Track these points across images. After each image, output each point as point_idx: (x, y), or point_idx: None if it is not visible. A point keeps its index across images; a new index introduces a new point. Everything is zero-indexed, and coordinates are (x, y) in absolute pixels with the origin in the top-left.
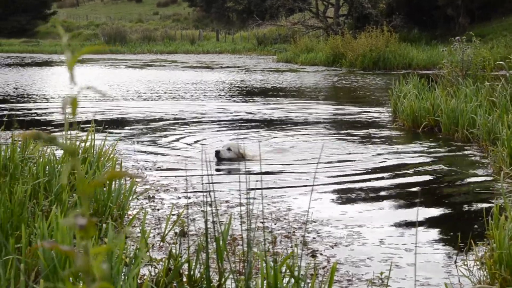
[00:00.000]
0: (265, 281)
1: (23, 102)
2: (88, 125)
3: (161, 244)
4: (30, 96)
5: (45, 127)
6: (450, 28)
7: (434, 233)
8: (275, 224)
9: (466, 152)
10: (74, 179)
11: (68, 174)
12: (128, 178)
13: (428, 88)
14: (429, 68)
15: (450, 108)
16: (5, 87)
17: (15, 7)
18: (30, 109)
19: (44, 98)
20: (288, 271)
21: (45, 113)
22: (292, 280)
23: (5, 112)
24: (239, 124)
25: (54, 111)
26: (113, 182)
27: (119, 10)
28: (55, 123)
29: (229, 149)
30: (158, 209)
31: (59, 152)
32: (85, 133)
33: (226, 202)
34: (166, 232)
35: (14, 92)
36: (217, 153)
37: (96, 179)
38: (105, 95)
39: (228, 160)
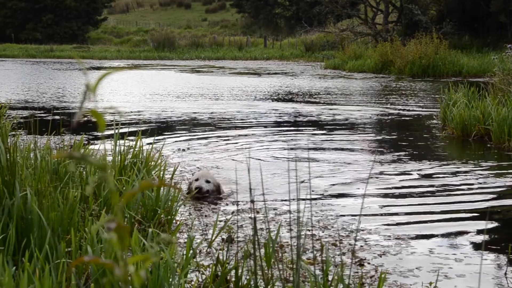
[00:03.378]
0: None
1: (72, 107)
2: (136, 127)
3: (208, 250)
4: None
5: (94, 131)
6: (502, 35)
7: (484, 244)
8: (322, 232)
9: None
10: (121, 186)
11: (113, 178)
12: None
13: (479, 96)
14: (480, 76)
15: (501, 116)
16: (56, 91)
17: (67, 13)
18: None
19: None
20: (335, 278)
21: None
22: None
23: (56, 117)
24: (286, 127)
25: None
26: (162, 188)
27: (168, 16)
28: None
29: (207, 181)
30: (206, 215)
31: (109, 157)
32: (134, 137)
33: (274, 209)
34: (213, 238)
35: (64, 96)
36: (200, 189)
37: (127, 191)
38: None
39: (206, 194)
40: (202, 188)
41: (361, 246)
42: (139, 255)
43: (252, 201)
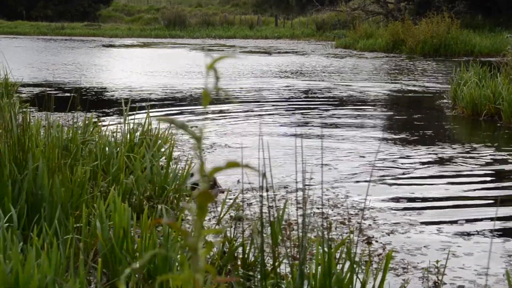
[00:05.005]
0: (319, 267)
1: (84, 84)
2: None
3: (217, 227)
4: (91, 79)
5: (105, 109)
6: None
7: (492, 222)
8: (332, 210)
9: None
10: (130, 162)
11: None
12: (187, 161)
13: (490, 76)
14: (492, 55)
15: None
16: (67, 68)
17: None
18: (91, 91)
19: (104, 80)
20: (342, 256)
21: (105, 95)
22: (346, 266)
23: (67, 94)
24: (297, 105)
25: (113, 94)
26: (170, 165)
27: None
28: (115, 104)
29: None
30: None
31: (118, 136)
32: (144, 113)
33: (284, 187)
34: (222, 215)
35: (75, 73)
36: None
37: (216, 166)
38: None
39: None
40: (199, 185)
41: (370, 224)
42: (212, 229)
43: (262, 178)
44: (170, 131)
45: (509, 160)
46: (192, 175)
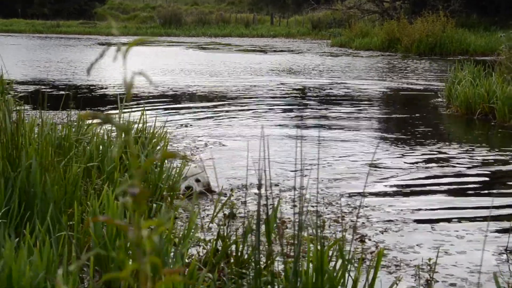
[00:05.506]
0: (311, 265)
1: (79, 82)
2: (142, 101)
3: (210, 225)
4: (85, 77)
5: (100, 107)
6: (511, 14)
7: (485, 221)
8: (326, 208)
9: None
10: (126, 159)
11: (121, 151)
12: (180, 160)
13: (484, 75)
14: (487, 55)
15: (506, 94)
16: (61, 67)
17: None
18: (85, 89)
19: (100, 77)
20: (334, 255)
21: (99, 93)
22: (339, 264)
23: (62, 92)
24: (292, 103)
25: (107, 91)
26: (165, 163)
27: None
28: (109, 102)
29: (197, 180)
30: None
31: (113, 134)
32: (139, 110)
33: (277, 185)
34: (215, 213)
35: (69, 72)
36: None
37: (150, 158)
38: (153, 83)
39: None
40: (193, 189)
41: (363, 223)
42: (153, 220)
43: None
44: (165, 131)
45: (503, 159)
46: (185, 178)
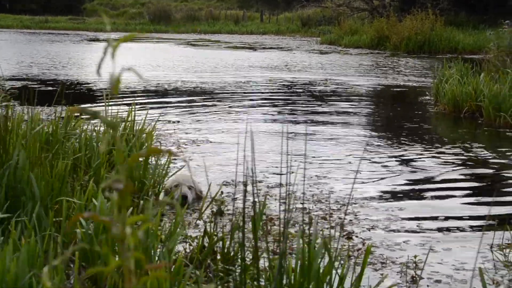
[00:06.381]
0: (298, 261)
1: (67, 78)
2: (130, 98)
3: (198, 222)
4: (73, 73)
5: (87, 103)
6: (500, 12)
7: (472, 218)
8: (315, 205)
9: (508, 137)
10: (113, 156)
11: (108, 146)
12: (166, 156)
13: (472, 73)
14: (475, 53)
15: (493, 93)
16: (49, 63)
17: None
18: (73, 85)
19: (88, 73)
20: (321, 252)
21: (86, 88)
22: (326, 260)
23: (50, 88)
24: (280, 100)
25: (96, 87)
26: (149, 159)
27: None
28: (96, 98)
29: (190, 187)
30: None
31: (100, 129)
32: (127, 107)
33: (265, 182)
34: (203, 210)
35: (57, 68)
36: (185, 198)
37: (135, 153)
38: (142, 79)
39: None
40: (187, 198)
41: (351, 220)
42: (138, 215)
43: (244, 173)
44: (154, 127)
45: (489, 157)
46: (177, 185)
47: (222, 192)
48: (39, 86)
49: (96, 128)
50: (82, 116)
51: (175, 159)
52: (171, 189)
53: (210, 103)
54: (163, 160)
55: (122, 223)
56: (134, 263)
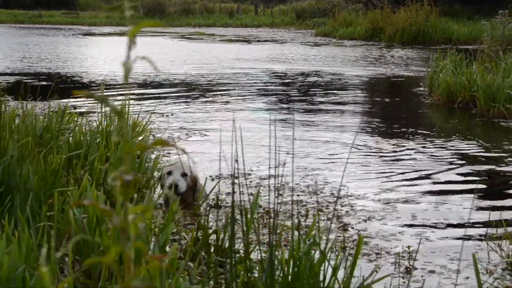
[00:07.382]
0: (290, 252)
1: (61, 72)
2: (122, 90)
3: (193, 213)
4: (68, 67)
5: (83, 98)
6: (495, 3)
7: (466, 209)
8: (310, 198)
9: (501, 128)
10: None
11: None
12: (160, 150)
13: (466, 63)
14: (469, 43)
15: (487, 83)
16: (44, 57)
17: None
18: (68, 79)
19: (82, 68)
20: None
21: (80, 82)
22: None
23: (43, 83)
24: (274, 92)
25: (91, 80)
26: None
27: None
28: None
29: (184, 174)
30: None
31: (94, 124)
32: (121, 98)
33: (259, 174)
34: (201, 203)
35: (51, 62)
36: (176, 187)
37: (141, 143)
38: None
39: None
40: (178, 187)
41: (347, 211)
42: (138, 206)
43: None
44: (149, 120)
45: (483, 148)
46: (169, 172)
47: (218, 185)
48: (32, 80)
49: (89, 123)
50: (75, 111)
51: (170, 152)
52: (163, 176)
53: (205, 96)
54: (157, 153)
55: (125, 212)
56: (134, 253)
